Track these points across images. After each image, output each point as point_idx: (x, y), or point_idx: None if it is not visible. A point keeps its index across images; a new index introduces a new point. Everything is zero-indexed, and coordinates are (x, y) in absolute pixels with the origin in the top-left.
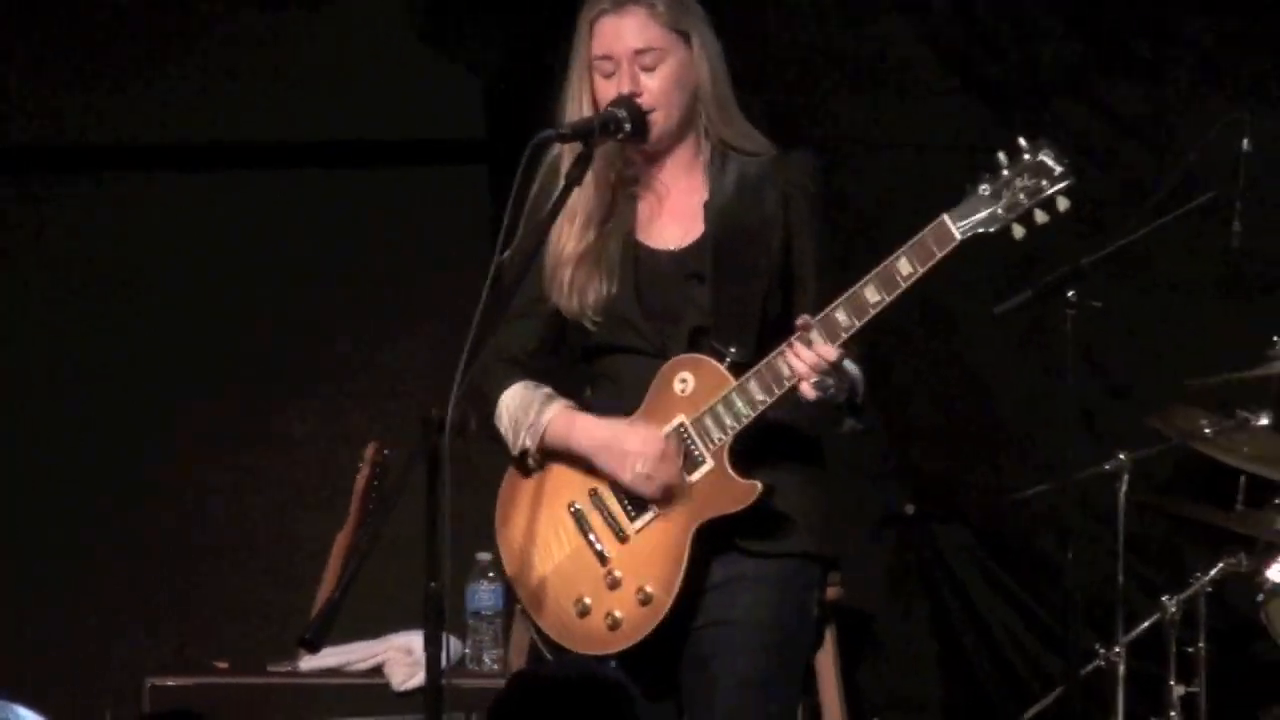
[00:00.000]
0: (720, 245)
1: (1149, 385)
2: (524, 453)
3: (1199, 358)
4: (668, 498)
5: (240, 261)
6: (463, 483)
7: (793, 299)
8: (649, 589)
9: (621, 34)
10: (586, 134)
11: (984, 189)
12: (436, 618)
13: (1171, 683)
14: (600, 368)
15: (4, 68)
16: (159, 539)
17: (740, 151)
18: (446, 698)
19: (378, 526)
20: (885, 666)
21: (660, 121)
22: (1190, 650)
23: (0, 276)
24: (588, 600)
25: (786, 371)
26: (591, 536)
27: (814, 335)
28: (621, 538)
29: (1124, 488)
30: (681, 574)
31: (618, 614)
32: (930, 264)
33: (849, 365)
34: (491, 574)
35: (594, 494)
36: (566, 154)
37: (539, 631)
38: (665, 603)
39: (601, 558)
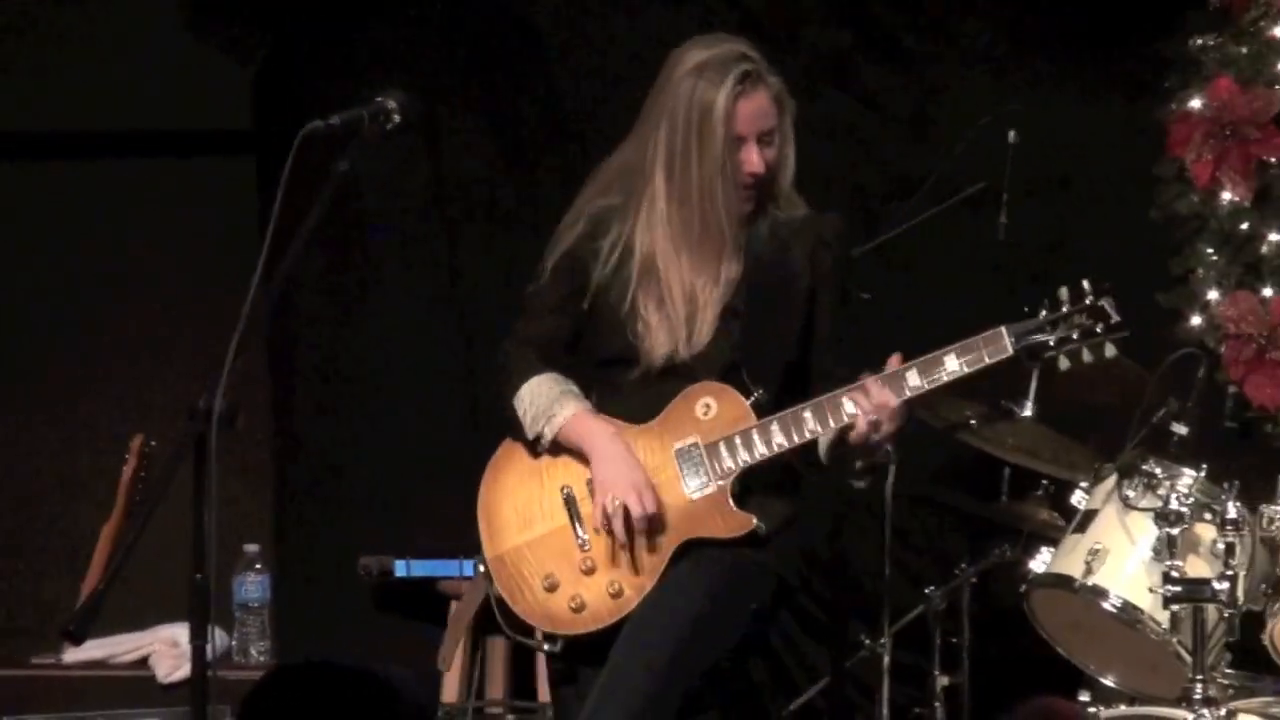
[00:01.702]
0: (754, 289)
1: None
2: (537, 439)
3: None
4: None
5: (3, 253)
6: (229, 474)
7: (809, 348)
8: (622, 585)
9: (758, 115)
10: (356, 125)
11: (1043, 314)
12: (202, 610)
13: (936, 673)
14: (608, 375)
15: None
16: None
17: (779, 209)
18: (212, 690)
19: (143, 518)
20: None
21: (752, 196)
22: (954, 641)
23: None
24: (557, 578)
25: (811, 421)
26: (577, 522)
27: (877, 385)
28: (608, 530)
29: (890, 479)
30: (656, 580)
31: (585, 598)
32: (976, 368)
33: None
34: (259, 565)
35: (590, 483)
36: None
37: (498, 599)
38: (633, 600)
39: (582, 545)
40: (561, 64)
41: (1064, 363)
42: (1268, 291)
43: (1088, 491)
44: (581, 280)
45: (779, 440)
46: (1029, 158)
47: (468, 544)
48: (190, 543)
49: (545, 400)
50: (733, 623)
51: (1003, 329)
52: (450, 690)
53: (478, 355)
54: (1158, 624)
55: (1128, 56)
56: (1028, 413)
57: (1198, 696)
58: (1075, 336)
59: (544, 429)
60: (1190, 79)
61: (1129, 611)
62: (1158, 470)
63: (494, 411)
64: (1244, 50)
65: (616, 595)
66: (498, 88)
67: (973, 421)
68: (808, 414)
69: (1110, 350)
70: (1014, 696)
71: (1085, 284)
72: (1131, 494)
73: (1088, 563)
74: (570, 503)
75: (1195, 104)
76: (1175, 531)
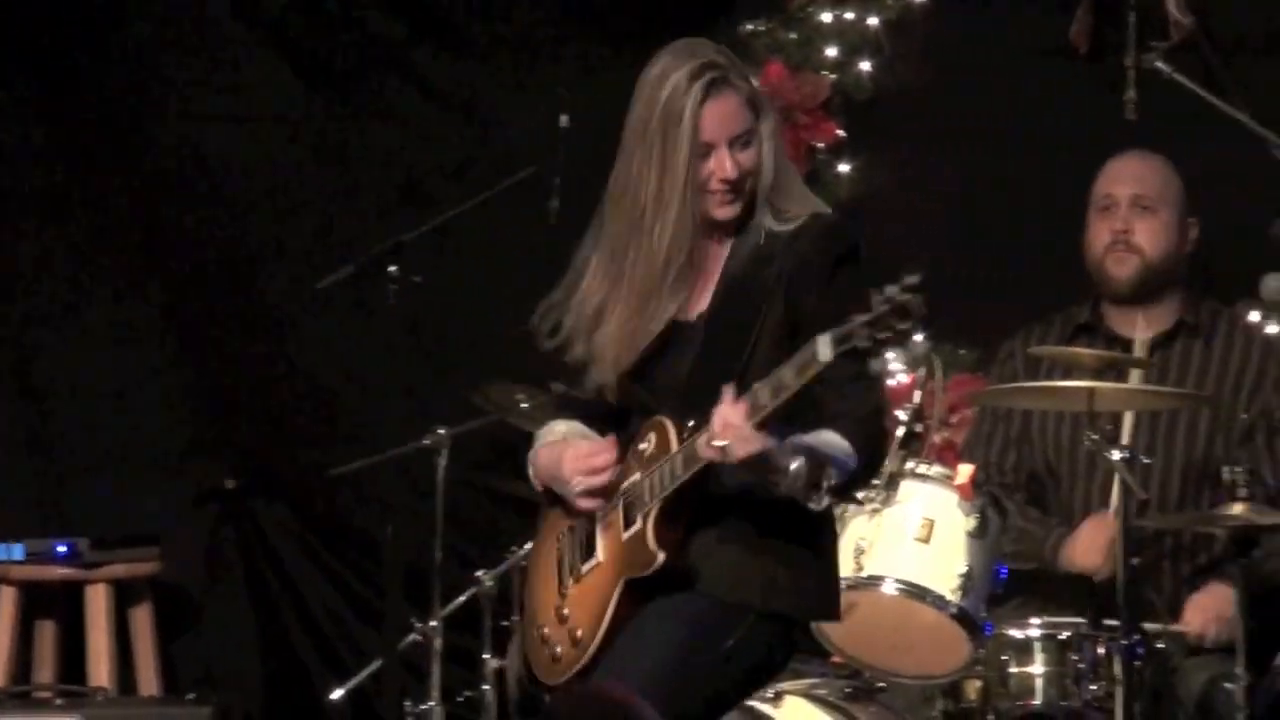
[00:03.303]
0: (717, 312)
1: (470, 358)
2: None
3: (518, 330)
4: (608, 545)
5: None
6: None
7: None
8: (579, 632)
9: (724, 121)
10: None
11: (859, 319)
12: None
13: (486, 656)
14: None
15: None
16: None
17: (777, 214)
18: None
19: None
20: (203, 642)
21: (731, 201)
22: (505, 624)
23: None
24: (546, 631)
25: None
26: (560, 571)
27: (724, 407)
28: (575, 576)
29: (443, 462)
30: (606, 624)
31: (559, 648)
32: (808, 375)
33: (811, 442)
34: None
35: (568, 530)
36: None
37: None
38: (589, 648)
39: (561, 593)
40: (112, 44)
41: (874, 365)
42: None
43: None
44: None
45: (679, 471)
46: (583, 141)
47: (15, 526)
48: None
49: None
50: (703, 674)
51: (818, 338)
52: None
53: (27, 332)
54: None
55: (679, 40)
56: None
57: None
58: (885, 336)
59: (529, 470)
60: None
61: None
62: None
63: None
64: (793, 36)
65: (575, 644)
66: (48, 70)
67: (524, 405)
68: (697, 439)
69: (921, 347)
70: None
71: (912, 280)
72: None
73: None
74: (559, 552)
75: None
76: None
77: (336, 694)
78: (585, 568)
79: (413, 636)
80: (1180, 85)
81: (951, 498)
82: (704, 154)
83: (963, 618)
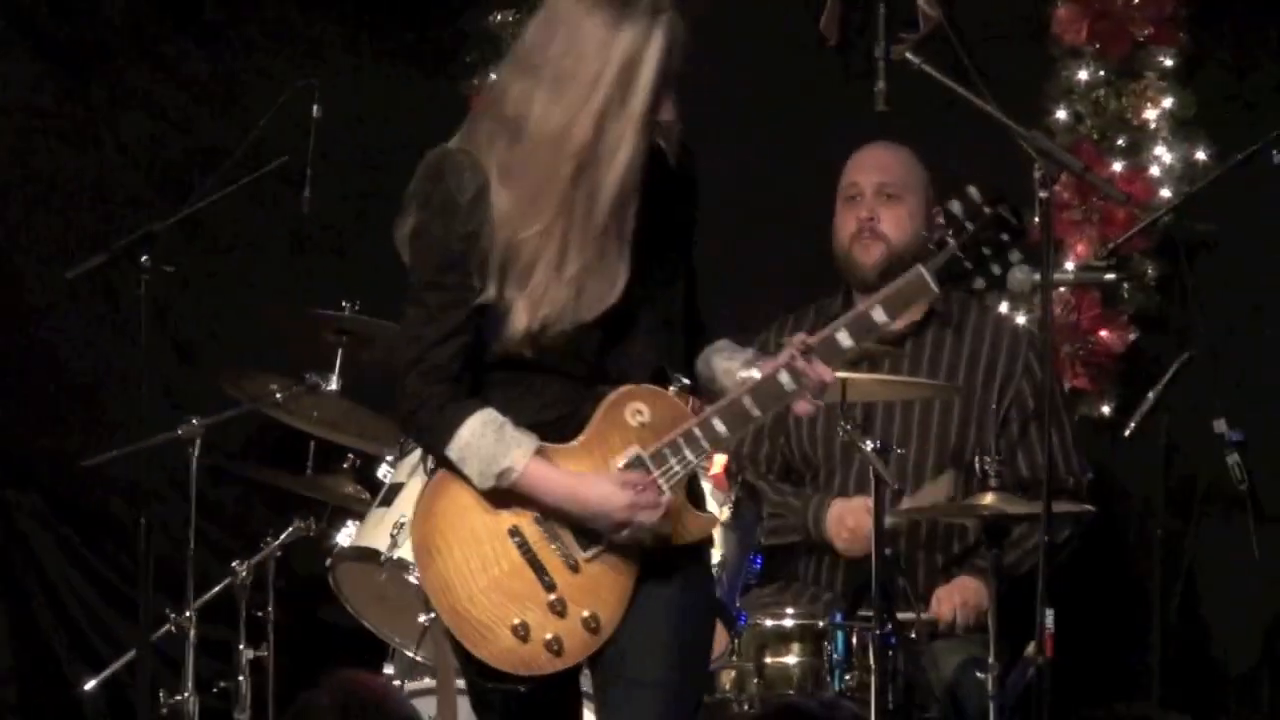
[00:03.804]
0: (644, 260)
1: (223, 349)
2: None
3: (271, 320)
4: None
5: None
6: None
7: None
8: (597, 615)
9: (675, 61)
10: None
11: (951, 242)
12: None
13: (241, 646)
14: (513, 376)
15: None
16: None
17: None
18: None
19: None
20: None
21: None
22: (260, 614)
23: None
24: (528, 624)
25: (754, 408)
26: (537, 563)
27: (815, 357)
28: (572, 567)
29: (196, 452)
30: (628, 600)
31: (563, 638)
32: (902, 313)
33: None
34: None
35: (539, 521)
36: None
37: (456, 645)
38: (609, 629)
39: (548, 585)
40: None
41: (979, 282)
42: None
43: (393, 465)
44: (477, 280)
45: (724, 433)
46: (336, 131)
47: None
48: None
49: (488, 451)
50: (709, 625)
51: (920, 269)
52: None
53: None
54: None
55: (429, 30)
56: (332, 386)
57: None
58: (988, 253)
59: (498, 484)
60: (489, 54)
61: None
62: None
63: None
64: None
65: (594, 629)
66: None
67: (278, 395)
68: (748, 400)
69: (1016, 256)
70: (320, 669)
71: (974, 193)
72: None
73: (393, 536)
74: (523, 544)
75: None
76: None
77: (89, 685)
78: (587, 555)
79: (167, 627)
80: (929, 76)
81: (705, 487)
82: (659, 99)
83: (718, 608)
